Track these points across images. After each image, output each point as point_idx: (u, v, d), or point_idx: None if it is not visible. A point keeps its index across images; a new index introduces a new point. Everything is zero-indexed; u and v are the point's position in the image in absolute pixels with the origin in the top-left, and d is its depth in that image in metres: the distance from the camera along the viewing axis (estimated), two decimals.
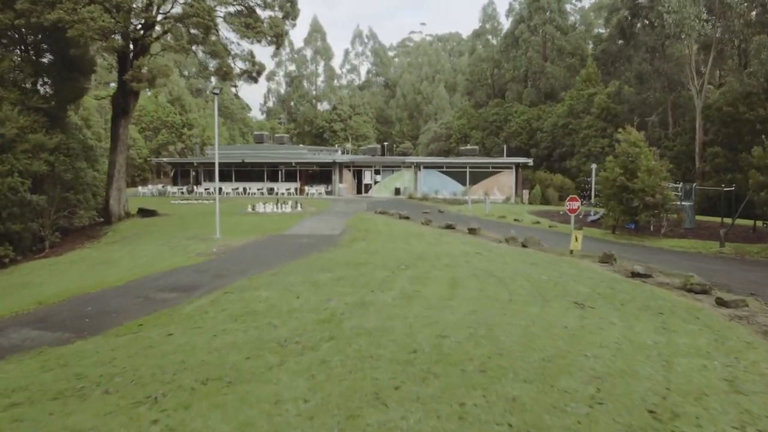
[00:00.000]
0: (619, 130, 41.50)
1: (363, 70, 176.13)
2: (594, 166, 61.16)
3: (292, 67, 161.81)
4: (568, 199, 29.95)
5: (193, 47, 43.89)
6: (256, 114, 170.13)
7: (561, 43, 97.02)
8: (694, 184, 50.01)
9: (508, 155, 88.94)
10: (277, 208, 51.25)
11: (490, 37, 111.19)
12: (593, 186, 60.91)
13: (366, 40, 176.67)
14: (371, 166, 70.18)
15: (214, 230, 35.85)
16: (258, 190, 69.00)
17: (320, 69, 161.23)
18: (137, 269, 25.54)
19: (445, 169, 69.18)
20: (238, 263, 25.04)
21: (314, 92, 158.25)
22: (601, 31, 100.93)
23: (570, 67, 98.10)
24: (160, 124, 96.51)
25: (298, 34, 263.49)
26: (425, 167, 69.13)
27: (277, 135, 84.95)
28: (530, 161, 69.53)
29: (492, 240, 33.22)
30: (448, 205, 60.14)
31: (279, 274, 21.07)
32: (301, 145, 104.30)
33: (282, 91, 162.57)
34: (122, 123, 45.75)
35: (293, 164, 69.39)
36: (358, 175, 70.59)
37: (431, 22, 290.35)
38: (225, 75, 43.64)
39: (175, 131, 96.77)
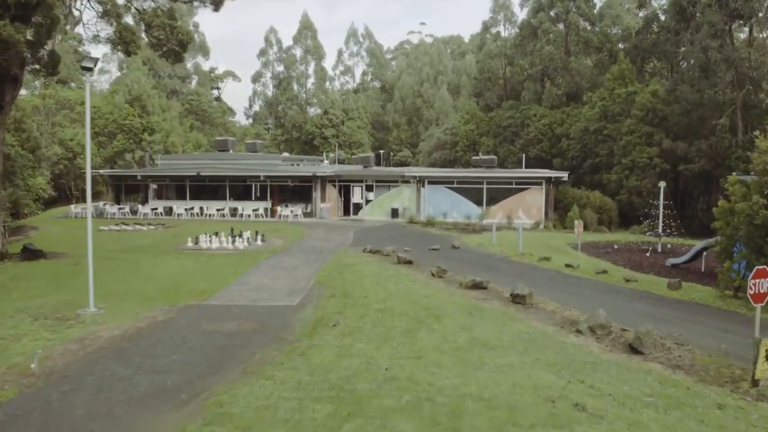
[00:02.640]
0: (756, 134, 26.69)
1: (358, 72, 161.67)
2: (662, 184, 46.66)
3: (280, 68, 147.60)
4: (753, 274, 14.92)
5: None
6: (241, 118, 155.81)
7: (587, 35, 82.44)
8: None
9: (527, 166, 74.83)
10: (228, 241, 36.80)
11: (502, 29, 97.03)
12: (661, 210, 46.42)
13: (361, 40, 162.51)
14: (362, 181, 55.61)
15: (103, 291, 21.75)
16: (218, 211, 54.36)
17: (311, 70, 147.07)
18: None
19: (455, 185, 54.67)
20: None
21: (304, 95, 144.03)
22: (632, 24, 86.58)
23: (598, 62, 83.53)
24: (116, 128, 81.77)
25: (287, 32, 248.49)
26: (430, 182, 54.61)
27: (248, 141, 69.62)
28: (565, 175, 54.75)
29: (565, 325, 18.83)
30: (462, 234, 45.64)
31: None
32: (284, 154, 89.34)
33: (269, 93, 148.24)
34: None
35: (262, 178, 54.70)
36: (345, 192, 56.07)
37: (433, 27, 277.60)
38: (125, 44, 28.66)
39: (133, 136, 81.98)
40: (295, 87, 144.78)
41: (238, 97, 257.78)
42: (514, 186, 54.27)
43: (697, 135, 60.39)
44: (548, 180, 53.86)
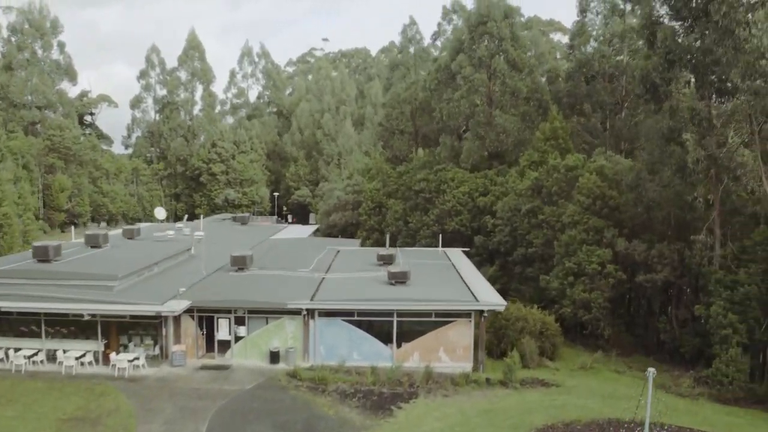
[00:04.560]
0: None
1: (252, 95, 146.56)
2: (651, 373, 33.77)
3: (163, 92, 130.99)
4: None
5: None
6: (119, 148, 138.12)
7: (515, 83, 69.73)
8: None
9: (444, 242, 62.04)
10: None
11: (412, 69, 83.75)
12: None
13: (256, 59, 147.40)
14: (230, 311, 40.94)
15: None
16: (28, 358, 38.71)
17: (198, 96, 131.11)
18: None
19: (356, 318, 40.81)
20: None
21: (189, 123, 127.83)
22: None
23: (526, 115, 70.93)
24: None
25: (171, 52, 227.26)
26: (323, 314, 40.57)
27: (88, 232, 51.88)
28: (502, 306, 41.37)
29: None
30: (369, 417, 31.75)
31: None
32: (157, 210, 72.72)
33: (151, 121, 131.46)
34: None
35: (86, 317, 39.02)
36: (209, 325, 41.36)
37: (339, 33, 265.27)
38: None
39: None
40: (181, 114, 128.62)
41: (118, 124, 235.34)
42: (433, 318, 40.81)
43: (660, 234, 48.46)
44: (480, 313, 40.57)
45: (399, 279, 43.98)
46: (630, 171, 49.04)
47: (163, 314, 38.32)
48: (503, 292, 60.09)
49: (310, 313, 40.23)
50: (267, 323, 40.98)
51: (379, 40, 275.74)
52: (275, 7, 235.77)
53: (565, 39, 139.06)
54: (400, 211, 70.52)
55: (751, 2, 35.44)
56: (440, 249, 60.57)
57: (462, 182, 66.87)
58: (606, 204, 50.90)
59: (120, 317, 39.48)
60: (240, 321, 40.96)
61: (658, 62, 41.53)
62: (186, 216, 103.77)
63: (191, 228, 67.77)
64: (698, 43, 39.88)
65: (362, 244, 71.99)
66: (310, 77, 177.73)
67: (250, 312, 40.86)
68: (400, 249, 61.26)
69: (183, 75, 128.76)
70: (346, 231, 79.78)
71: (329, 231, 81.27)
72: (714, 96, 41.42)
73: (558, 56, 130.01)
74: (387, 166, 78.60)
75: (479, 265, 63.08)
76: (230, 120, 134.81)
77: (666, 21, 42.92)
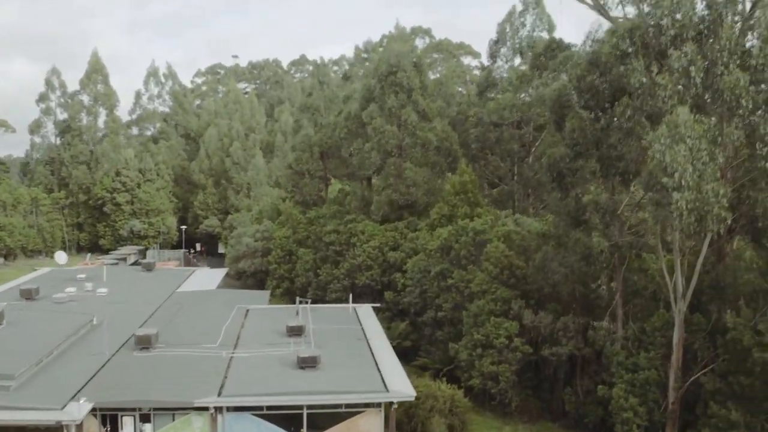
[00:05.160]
0: None
1: (159, 117, 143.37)
2: None
3: (64, 116, 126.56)
4: None
5: None
6: (17, 176, 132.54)
7: (425, 133, 70.03)
8: None
9: (355, 296, 62.21)
10: None
11: (323, 111, 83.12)
12: None
13: (163, 80, 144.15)
14: (135, 410, 39.69)
15: None
16: None
17: (101, 121, 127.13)
18: None
19: (265, 411, 40.20)
20: None
21: (92, 150, 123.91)
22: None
23: (436, 165, 71.32)
24: None
25: (72, 75, 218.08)
26: (231, 410, 39.79)
27: None
28: (412, 396, 41.42)
29: None
30: None
31: None
32: None
33: (51, 147, 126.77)
34: None
35: None
36: (113, 422, 39.99)
37: (249, 33, 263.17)
38: None
39: None
40: (83, 140, 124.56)
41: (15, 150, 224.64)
42: (344, 410, 40.61)
43: (566, 305, 49.62)
44: (389, 405, 40.61)
45: (309, 364, 43.56)
46: (538, 249, 49.97)
47: (63, 423, 36.82)
48: (414, 350, 60.84)
49: (218, 409, 39.42)
50: (173, 419, 39.93)
51: (292, 43, 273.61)
52: (184, 4, 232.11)
53: (475, 62, 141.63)
54: (311, 261, 70.08)
55: (653, 114, 36.58)
56: (350, 306, 60.37)
57: (372, 236, 66.95)
58: (513, 274, 51.74)
59: (18, 427, 37.72)
60: (145, 418, 39.75)
61: (566, 152, 42.54)
62: (89, 254, 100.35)
63: (93, 281, 65.79)
64: (605, 134, 40.93)
65: (272, 293, 71.26)
66: (220, 91, 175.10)
67: (156, 409, 39.75)
68: (311, 308, 60.55)
69: (85, 98, 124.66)
70: (256, 276, 78.80)
71: (239, 276, 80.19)
72: (620, 185, 42.71)
73: (468, 78, 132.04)
74: (297, 211, 77.92)
75: (390, 321, 63.50)
76: (135, 147, 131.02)
77: (575, 103, 43.67)
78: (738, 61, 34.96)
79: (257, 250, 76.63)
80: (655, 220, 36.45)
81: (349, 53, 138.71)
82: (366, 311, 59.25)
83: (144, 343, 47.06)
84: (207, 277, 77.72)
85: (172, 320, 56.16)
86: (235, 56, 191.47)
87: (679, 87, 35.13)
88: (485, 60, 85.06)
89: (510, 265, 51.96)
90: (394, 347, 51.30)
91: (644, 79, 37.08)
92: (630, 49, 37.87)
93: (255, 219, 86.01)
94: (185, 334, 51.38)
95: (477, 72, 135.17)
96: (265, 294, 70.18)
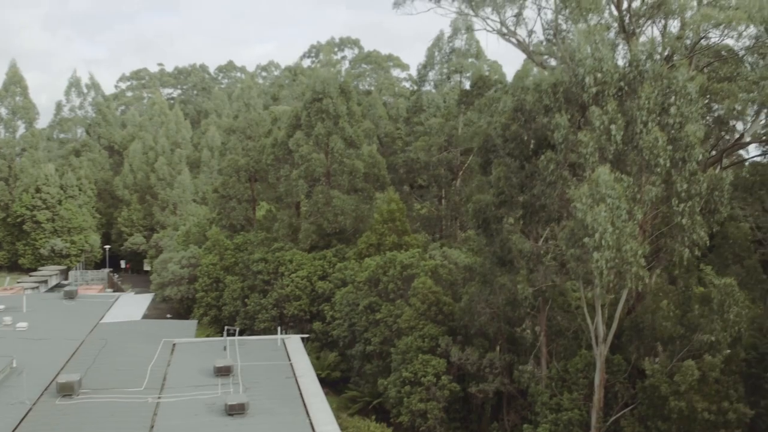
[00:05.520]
0: None
1: (81, 130, 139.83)
2: None
3: None
4: None
5: None
6: None
7: (352, 161, 70.20)
8: None
9: (285, 326, 61.93)
10: None
11: (251, 134, 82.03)
12: None
13: (85, 90, 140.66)
14: None
15: None
16: None
17: (19, 134, 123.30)
18: None
19: None
20: None
21: (10, 166, 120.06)
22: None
23: (364, 191, 71.61)
24: None
25: None
26: None
27: None
28: None
29: None
30: None
31: None
32: None
33: None
34: None
35: None
36: None
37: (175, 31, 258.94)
38: None
39: None
40: (1, 154, 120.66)
41: None
42: None
43: (493, 340, 50.47)
44: None
45: (237, 411, 43.23)
46: (465, 284, 50.76)
47: None
48: (343, 381, 60.98)
49: None
50: None
51: (220, 42, 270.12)
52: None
53: (403, 74, 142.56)
54: (238, 290, 69.57)
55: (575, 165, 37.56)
56: (279, 338, 60.04)
57: (300, 265, 66.86)
58: (441, 310, 52.39)
59: None
60: None
61: (491, 200, 43.33)
62: (8, 278, 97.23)
63: (12, 314, 63.95)
64: (529, 181, 41.79)
65: (199, 321, 70.45)
66: (145, 97, 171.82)
67: None
68: (239, 341, 60.03)
69: (3, 111, 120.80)
70: (183, 303, 77.71)
71: (166, 301, 78.96)
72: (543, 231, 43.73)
73: (396, 91, 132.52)
74: (224, 236, 77.14)
75: (319, 350, 63.56)
76: (56, 154, 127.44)
77: (501, 149, 44.45)
78: (657, 119, 36.18)
79: (183, 277, 75.59)
80: (576, 276, 37.42)
81: (278, 57, 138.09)
82: (295, 343, 58.95)
83: (67, 390, 45.84)
84: (132, 305, 76.17)
85: (96, 360, 54.86)
86: (161, 64, 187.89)
87: (600, 144, 36.09)
88: (413, 71, 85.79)
89: (437, 301, 52.63)
90: (323, 378, 51.52)
91: (569, 136, 37.94)
92: (553, 105, 38.78)
93: (182, 242, 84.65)
94: (109, 377, 50.22)
95: (406, 84, 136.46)
96: (192, 324, 69.09)
